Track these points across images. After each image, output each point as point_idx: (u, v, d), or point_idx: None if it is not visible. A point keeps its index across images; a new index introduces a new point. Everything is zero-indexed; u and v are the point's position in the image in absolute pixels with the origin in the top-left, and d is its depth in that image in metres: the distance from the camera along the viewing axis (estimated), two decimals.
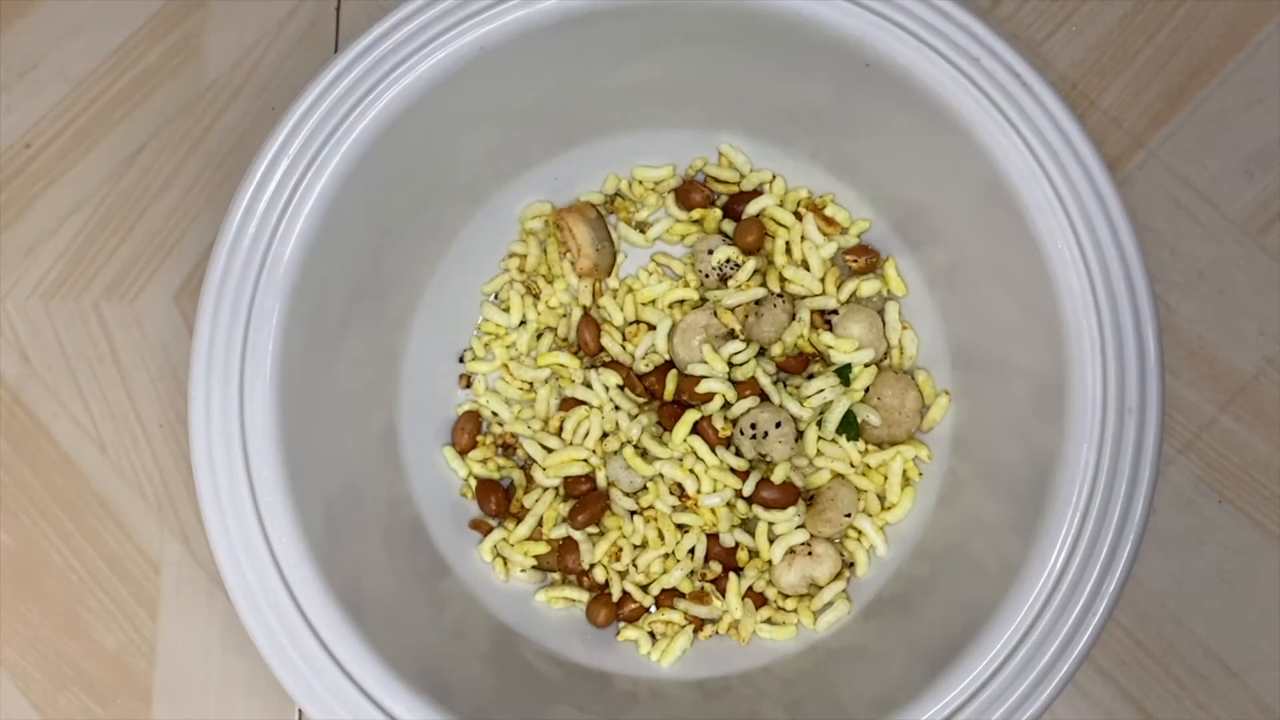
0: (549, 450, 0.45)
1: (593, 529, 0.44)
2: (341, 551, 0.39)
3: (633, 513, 0.44)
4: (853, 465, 0.44)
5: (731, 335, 0.44)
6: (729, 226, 0.46)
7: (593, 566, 0.44)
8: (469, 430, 0.45)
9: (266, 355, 0.38)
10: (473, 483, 0.45)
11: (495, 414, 0.46)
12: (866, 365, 0.44)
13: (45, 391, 0.47)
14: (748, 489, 0.43)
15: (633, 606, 0.44)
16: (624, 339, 0.45)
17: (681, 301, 0.45)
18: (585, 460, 0.44)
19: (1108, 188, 0.37)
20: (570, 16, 0.39)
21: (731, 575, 0.44)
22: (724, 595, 0.43)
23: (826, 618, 0.43)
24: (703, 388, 0.43)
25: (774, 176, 0.46)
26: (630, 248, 0.47)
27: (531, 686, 0.41)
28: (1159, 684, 0.44)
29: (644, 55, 0.42)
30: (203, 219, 0.48)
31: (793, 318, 0.44)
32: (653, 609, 0.44)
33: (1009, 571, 0.37)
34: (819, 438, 0.44)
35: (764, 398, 0.44)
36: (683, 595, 0.44)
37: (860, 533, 0.44)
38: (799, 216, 0.45)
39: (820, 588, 0.43)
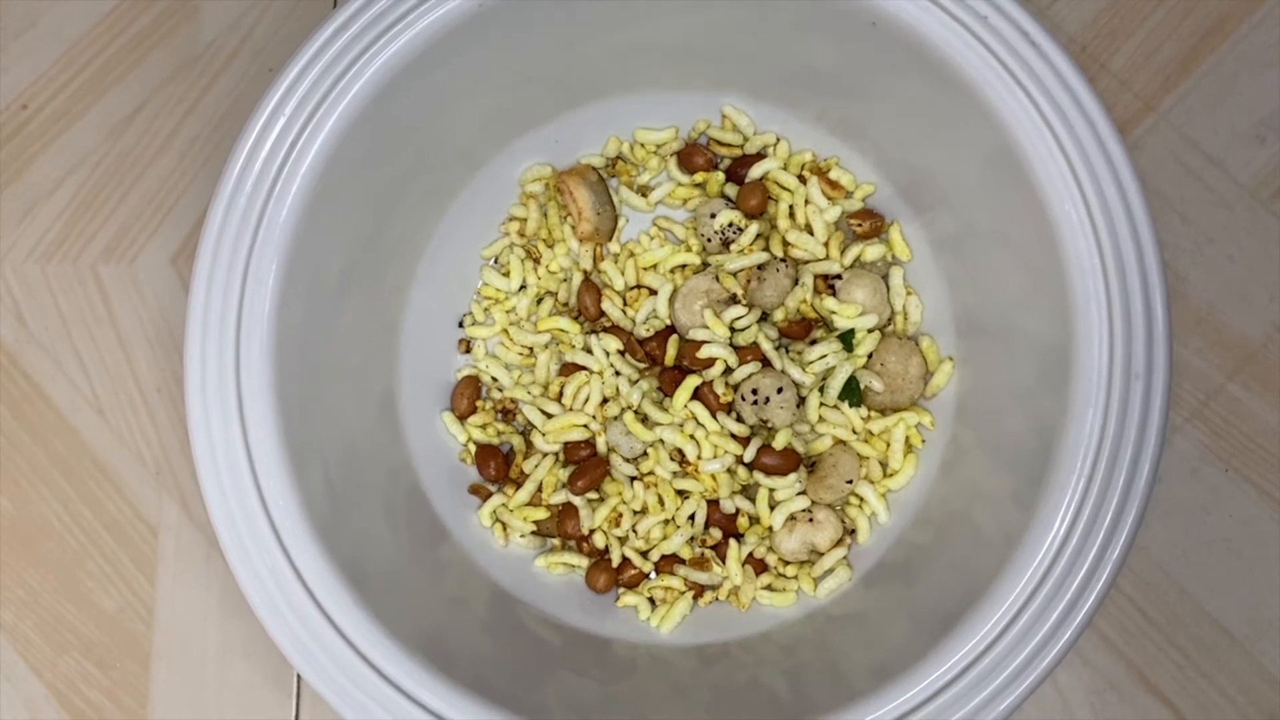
0: (549, 416, 0.45)
1: (592, 494, 0.44)
2: (339, 515, 0.38)
3: (633, 478, 0.44)
4: (855, 431, 0.43)
5: (733, 300, 0.44)
6: (732, 190, 0.45)
7: (592, 532, 0.44)
8: (468, 395, 0.45)
9: (262, 317, 0.37)
10: (472, 448, 0.45)
11: (495, 379, 0.45)
12: (870, 331, 0.43)
13: (43, 355, 0.47)
14: (749, 455, 0.43)
15: (632, 572, 0.44)
16: (625, 304, 0.45)
17: (683, 266, 0.45)
18: (585, 426, 0.44)
19: (1117, 152, 0.37)
20: None
21: (732, 541, 0.43)
22: (724, 561, 0.43)
23: (827, 584, 0.43)
24: (704, 353, 0.43)
25: (778, 139, 0.45)
26: (631, 211, 0.46)
27: (531, 651, 0.41)
28: (1162, 653, 0.44)
29: (647, 15, 0.41)
30: (200, 181, 0.48)
31: (795, 282, 0.44)
32: (652, 575, 0.44)
33: (1011, 539, 0.37)
34: (821, 404, 0.43)
35: (766, 363, 0.43)
36: (683, 561, 0.44)
37: (862, 499, 0.43)
38: (803, 180, 0.45)
39: (821, 554, 0.43)
